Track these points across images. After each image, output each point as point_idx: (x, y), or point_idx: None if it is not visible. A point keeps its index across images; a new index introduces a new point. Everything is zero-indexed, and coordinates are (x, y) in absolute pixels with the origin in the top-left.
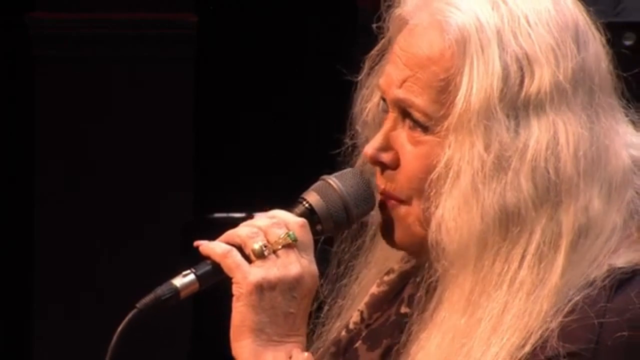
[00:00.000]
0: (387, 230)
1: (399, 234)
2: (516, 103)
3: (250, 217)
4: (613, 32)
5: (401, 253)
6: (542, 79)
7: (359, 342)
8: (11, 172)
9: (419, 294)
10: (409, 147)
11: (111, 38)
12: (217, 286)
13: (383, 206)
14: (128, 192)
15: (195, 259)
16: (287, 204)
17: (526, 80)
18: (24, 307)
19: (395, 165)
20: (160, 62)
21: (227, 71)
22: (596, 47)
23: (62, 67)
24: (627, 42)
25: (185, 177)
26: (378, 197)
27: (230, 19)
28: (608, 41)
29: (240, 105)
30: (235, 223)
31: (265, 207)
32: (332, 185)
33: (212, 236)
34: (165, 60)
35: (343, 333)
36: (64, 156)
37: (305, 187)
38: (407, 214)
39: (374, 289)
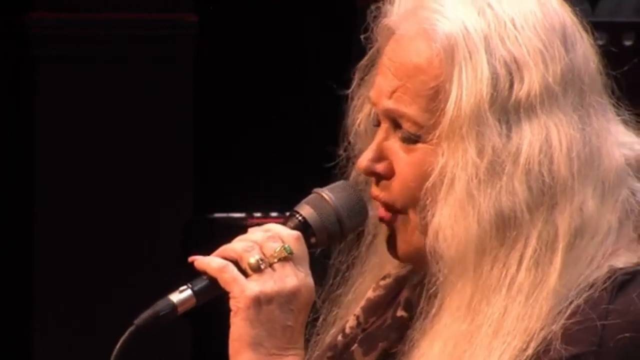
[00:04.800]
0: (391, 244)
1: (401, 246)
2: (507, 107)
3: (250, 217)
4: (613, 32)
5: (397, 260)
6: (531, 82)
7: (355, 345)
8: (11, 172)
9: (420, 305)
10: (402, 155)
11: (111, 38)
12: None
13: (384, 222)
14: (128, 192)
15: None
16: (287, 204)
17: (516, 84)
18: (24, 307)
19: (390, 174)
20: (160, 62)
21: (226, 71)
22: (584, 47)
23: (62, 67)
24: (627, 42)
25: (185, 177)
26: (374, 209)
27: (230, 19)
28: (609, 41)
29: (240, 105)
30: (235, 223)
31: (265, 207)
32: (324, 198)
33: (212, 236)
34: (165, 60)
35: (339, 338)
36: (64, 156)
37: (305, 187)
38: (404, 225)
39: (370, 294)
